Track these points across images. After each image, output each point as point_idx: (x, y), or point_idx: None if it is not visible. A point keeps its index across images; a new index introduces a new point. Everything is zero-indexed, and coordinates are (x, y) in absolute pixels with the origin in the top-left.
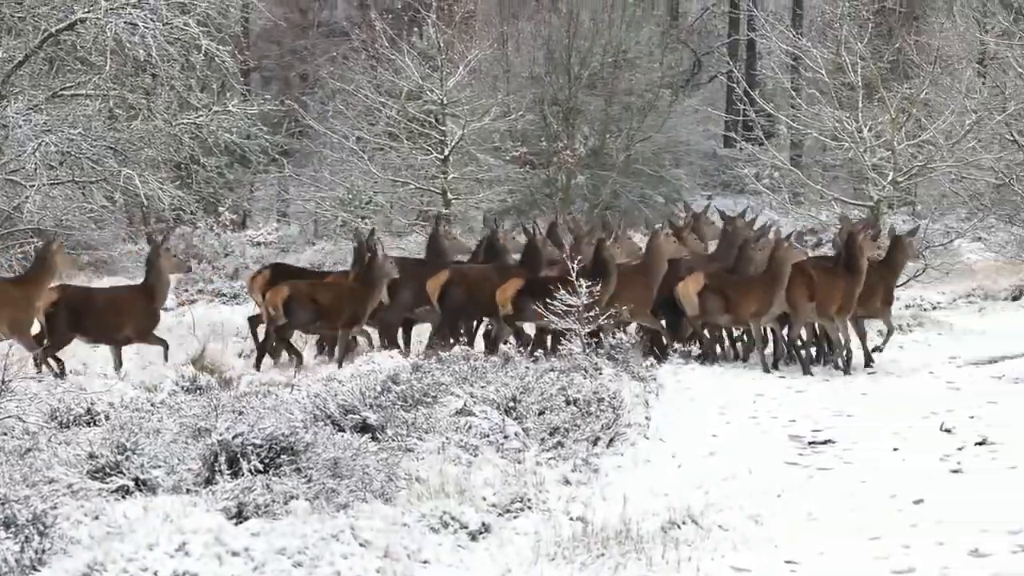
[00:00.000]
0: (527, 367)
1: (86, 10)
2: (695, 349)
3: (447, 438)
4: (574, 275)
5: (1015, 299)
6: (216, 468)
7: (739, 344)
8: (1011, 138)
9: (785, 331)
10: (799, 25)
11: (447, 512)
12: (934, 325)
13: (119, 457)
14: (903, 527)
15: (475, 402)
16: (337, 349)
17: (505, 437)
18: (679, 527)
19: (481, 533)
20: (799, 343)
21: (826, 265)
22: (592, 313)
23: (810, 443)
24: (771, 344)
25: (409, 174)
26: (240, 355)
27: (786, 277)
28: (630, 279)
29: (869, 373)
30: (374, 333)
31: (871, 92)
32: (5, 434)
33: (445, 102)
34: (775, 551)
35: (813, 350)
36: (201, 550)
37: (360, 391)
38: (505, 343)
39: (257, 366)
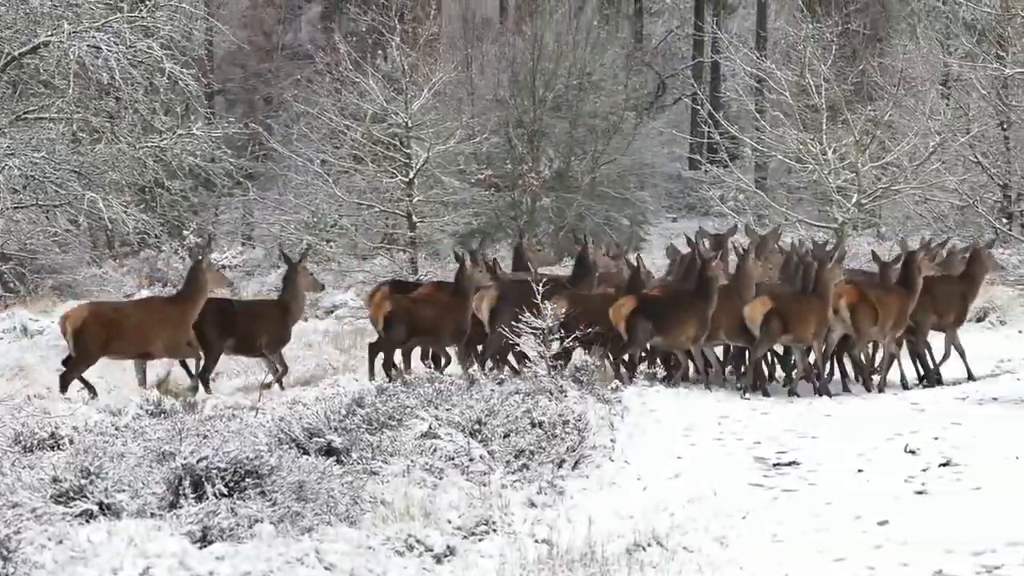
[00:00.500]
0: (492, 389)
1: (49, 33)
2: (660, 371)
3: (412, 461)
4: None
5: (979, 320)
6: (180, 492)
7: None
8: (975, 160)
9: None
10: (763, 47)
11: (412, 535)
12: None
13: (83, 481)
14: (868, 548)
15: (440, 425)
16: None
17: (470, 460)
18: (644, 549)
19: (446, 556)
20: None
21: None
22: (556, 336)
23: (775, 465)
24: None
25: (374, 197)
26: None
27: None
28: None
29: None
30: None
31: (835, 114)
32: None
33: (410, 125)
34: (740, 572)
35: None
36: (165, 574)
37: (325, 414)
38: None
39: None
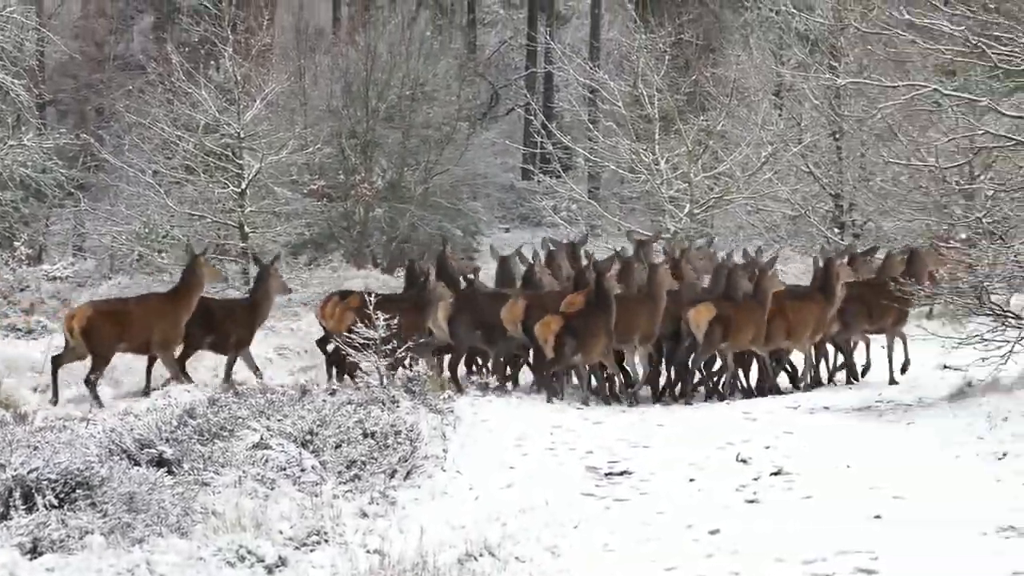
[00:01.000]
0: (324, 400)
1: None
2: (493, 380)
3: (244, 472)
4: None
5: None
6: (11, 503)
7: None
8: (806, 170)
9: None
10: (596, 58)
11: (243, 546)
12: None
13: None
14: (699, 557)
15: (272, 435)
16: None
17: (302, 470)
18: (476, 559)
19: (278, 567)
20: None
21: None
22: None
23: (607, 474)
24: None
25: (206, 207)
26: (35, 390)
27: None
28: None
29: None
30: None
31: (668, 124)
32: None
33: (242, 135)
34: None
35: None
36: None
37: (156, 425)
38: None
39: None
